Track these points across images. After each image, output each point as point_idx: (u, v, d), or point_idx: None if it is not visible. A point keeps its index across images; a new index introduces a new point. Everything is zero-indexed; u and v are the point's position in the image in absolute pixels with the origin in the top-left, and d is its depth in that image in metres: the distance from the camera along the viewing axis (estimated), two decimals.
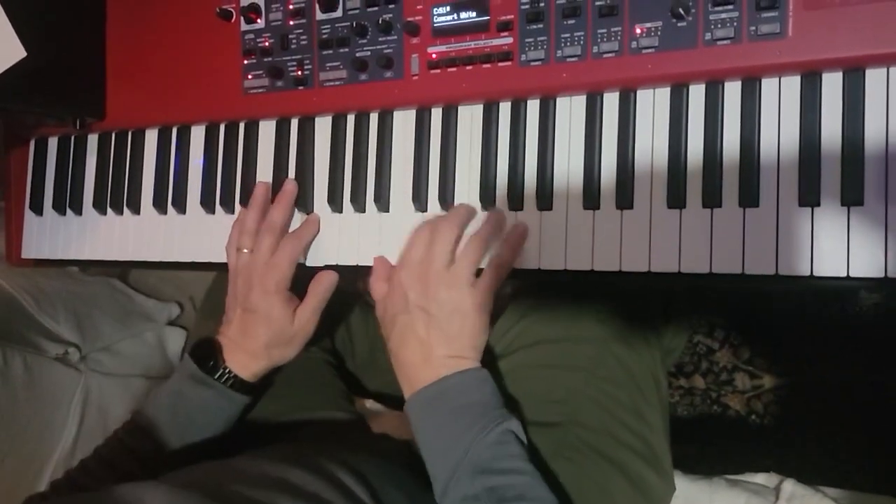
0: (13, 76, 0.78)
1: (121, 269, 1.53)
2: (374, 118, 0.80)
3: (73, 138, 0.96)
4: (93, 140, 0.95)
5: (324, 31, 0.79)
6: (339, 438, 0.83)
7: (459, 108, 0.76)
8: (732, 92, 0.66)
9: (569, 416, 0.75)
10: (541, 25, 0.70)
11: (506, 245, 0.71)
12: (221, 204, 0.86)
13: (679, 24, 0.65)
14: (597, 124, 0.70)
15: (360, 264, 0.80)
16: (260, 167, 0.85)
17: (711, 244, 0.66)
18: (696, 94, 0.67)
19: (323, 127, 0.82)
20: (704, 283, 0.66)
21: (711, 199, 0.65)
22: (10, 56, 0.77)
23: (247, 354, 0.78)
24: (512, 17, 0.71)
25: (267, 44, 0.81)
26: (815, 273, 0.62)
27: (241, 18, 0.82)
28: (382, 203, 0.79)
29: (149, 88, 0.88)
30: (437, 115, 0.77)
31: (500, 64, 0.72)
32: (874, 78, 0.61)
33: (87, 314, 1.37)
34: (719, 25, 0.63)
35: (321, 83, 0.79)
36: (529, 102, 0.73)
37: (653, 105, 0.69)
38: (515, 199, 0.73)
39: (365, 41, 0.77)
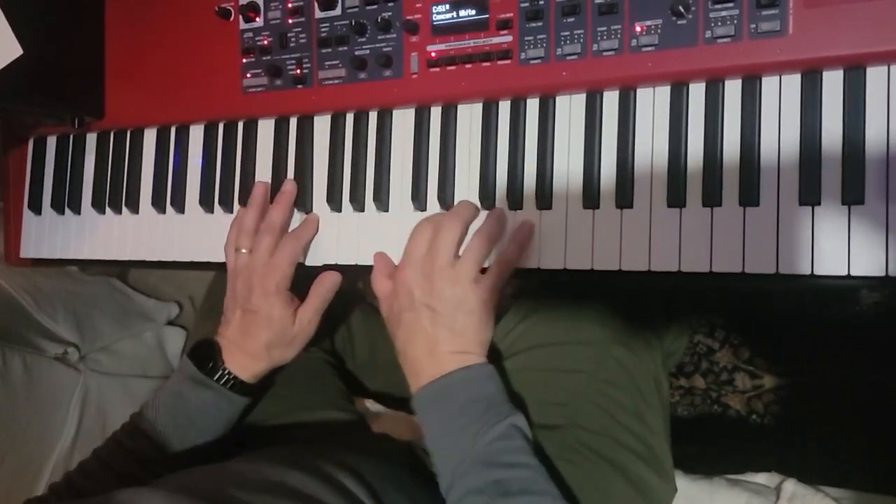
0: (11, 75, 0.78)
1: (120, 269, 1.53)
2: (373, 117, 0.80)
3: (71, 137, 0.96)
4: (91, 139, 0.95)
5: (323, 30, 0.78)
6: (339, 439, 0.83)
7: (459, 106, 0.76)
8: (733, 90, 0.65)
9: (570, 419, 0.75)
10: (540, 23, 0.69)
11: (512, 242, 0.71)
12: (220, 203, 0.86)
13: (679, 22, 0.65)
14: (596, 123, 0.70)
15: (359, 263, 0.79)
16: (259, 166, 0.85)
17: (711, 243, 0.65)
18: (697, 93, 0.67)
19: (322, 126, 0.82)
20: (705, 283, 0.66)
21: (711, 197, 0.65)
22: (7, 54, 0.77)
23: (247, 355, 0.78)
24: (511, 15, 0.71)
25: (266, 42, 0.81)
26: (816, 272, 0.62)
27: (240, 17, 0.82)
28: (381, 202, 0.79)
29: (147, 87, 0.88)
30: (436, 113, 0.77)
31: (500, 62, 0.71)
32: (875, 76, 0.61)
33: (87, 314, 1.37)
34: (719, 23, 0.63)
35: (320, 82, 0.79)
36: (529, 101, 0.73)
37: (653, 103, 0.68)
38: (515, 198, 0.73)
39: (364, 39, 0.77)
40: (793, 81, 0.64)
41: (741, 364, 1.31)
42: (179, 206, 0.88)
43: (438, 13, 0.74)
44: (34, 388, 1.18)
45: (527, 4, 0.70)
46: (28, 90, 0.81)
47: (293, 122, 0.83)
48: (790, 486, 0.82)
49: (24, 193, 0.98)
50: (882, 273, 0.60)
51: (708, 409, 1.33)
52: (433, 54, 0.74)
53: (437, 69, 0.74)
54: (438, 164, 0.76)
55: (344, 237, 0.80)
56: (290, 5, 0.80)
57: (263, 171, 0.84)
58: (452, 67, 0.73)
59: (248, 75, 0.82)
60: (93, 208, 0.93)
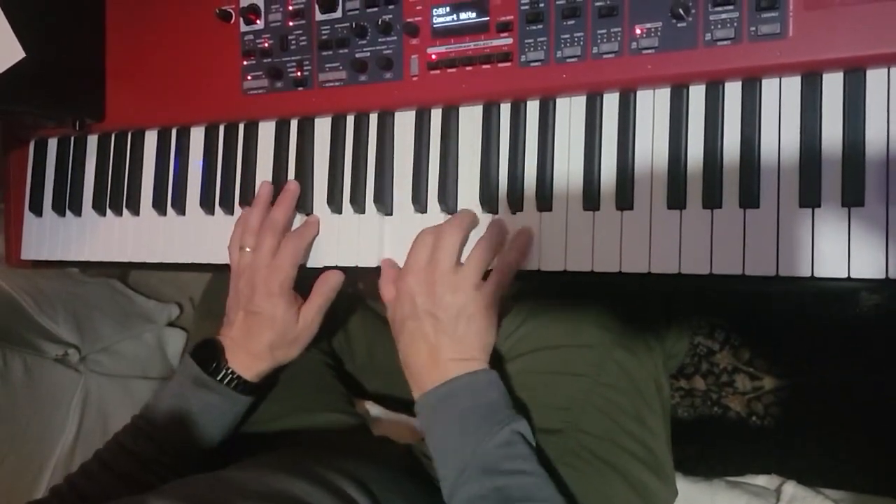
0: (13, 77, 0.78)
1: (121, 270, 1.53)
2: (373, 119, 0.80)
3: (72, 139, 0.96)
4: (92, 141, 0.95)
5: (323, 32, 0.79)
6: (340, 444, 0.83)
7: (459, 108, 0.76)
8: (733, 92, 0.66)
9: (571, 423, 0.75)
10: (540, 26, 0.70)
11: (512, 249, 0.71)
12: (221, 205, 0.86)
13: (679, 25, 0.65)
14: (597, 125, 0.70)
15: (359, 265, 0.80)
16: (259, 168, 0.85)
17: (712, 245, 0.65)
18: (697, 95, 0.67)
19: (322, 128, 0.82)
20: (705, 284, 0.66)
21: (712, 199, 0.65)
22: (9, 57, 0.77)
23: (250, 355, 0.78)
24: (511, 17, 0.71)
25: (266, 45, 0.81)
26: (816, 274, 0.62)
27: (241, 19, 0.82)
28: (382, 204, 0.79)
29: (148, 89, 0.88)
30: (436, 115, 0.77)
31: (500, 65, 0.72)
32: (875, 78, 0.61)
33: (87, 315, 1.37)
34: (719, 26, 0.63)
35: (321, 84, 0.79)
36: (529, 103, 0.73)
37: (653, 106, 0.68)
38: (515, 200, 0.73)
39: (364, 42, 0.77)
40: (793, 84, 0.64)
41: (741, 365, 1.31)
42: (180, 208, 0.89)
43: (439, 16, 0.74)
44: (35, 390, 1.18)
45: (527, 7, 0.70)
46: (29, 93, 0.82)
47: (294, 124, 0.84)
48: (790, 488, 0.82)
49: (25, 195, 0.99)
50: (882, 275, 0.60)
51: (708, 411, 1.33)
52: (433, 57, 0.74)
53: (438, 71, 0.74)
54: (439, 166, 0.77)
55: (344, 239, 0.80)
56: (290, 8, 0.80)
57: (264, 174, 0.84)
58: (453, 70, 0.73)
59: (249, 77, 0.82)
60: (93, 210, 0.93)
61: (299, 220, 0.82)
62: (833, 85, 0.62)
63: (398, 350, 0.73)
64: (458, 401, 0.67)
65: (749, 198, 0.64)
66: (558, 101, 0.72)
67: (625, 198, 0.68)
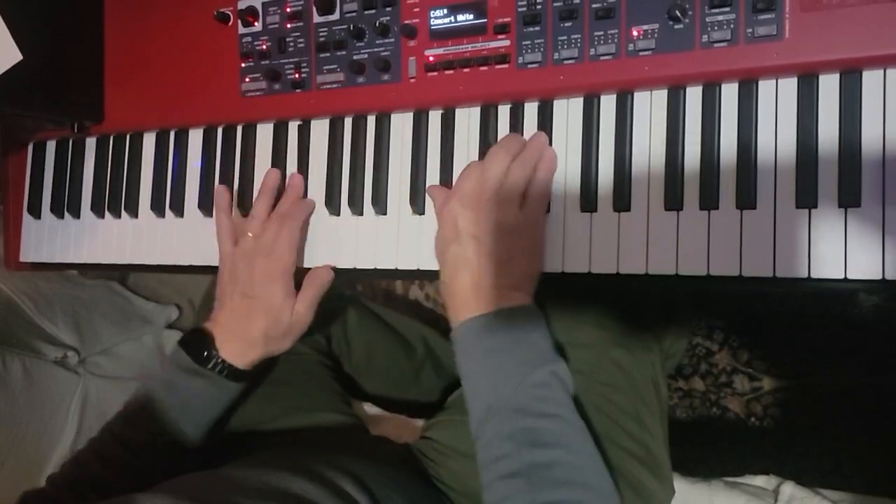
0: (11, 80, 0.78)
1: (120, 273, 1.53)
2: (371, 121, 0.80)
3: (71, 142, 0.96)
4: (91, 143, 0.95)
5: (321, 34, 0.79)
6: (338, 443, 0.83)
7: (457, 110, 0.76)
8: (729, 94, 0.66)
9: None
10: (538, 28, 0.70)
11: (540, 168, 0.70)
12: None
13: (676, 27, 0.65)
14: (594, 126, 0.70)
15: (357, 267, 0.80)
16: (257, 170, 0.85)
17: (709, 246, 0.65)
18: (693, 96, 0.67)
19: (320, 130, 0.82)
20: (702, 286, 0.66)
21: (709, 201, 0.65)
22: (6, 60, 0.77)
23: (242, 342, 0.77)
24: (509, 19, 0.71)
25: (264, 47, 0.81)
26: (813, 275, 0.62)
27: (239, 21, 0.82)
28: (380, 206, 0.79)
29: (146, 91, 0.88)
30: (434, 117, 0.77)
31: (498, 66, 0.72)
32: (871, 79, 0.61)
33: (86, 317, 1.37)
34: (716, 27, 0.63)
35: (318, 86, 0.79)
36: (527, 105, 0.73)
37: (650, 107, 0.69)
38: None
39: (362, 44, 0.77)
40: (789, 85, 0.64)
41: (740, 366, 1.31)
42: (178, 210, 0.89)
43: (436, 18, 0.74)
44: (34, 392, 1.18)
45: (524, 9, 0.70)
46: (28, 95, 0.82)
47: (292, 126, 0.84)
48: (788, 488, 0.82)
49: (23, 197, 0.99)
50: (879, 276, 0.60)
51: (707, 412, 1.33)
52: (431, 59, 0.74)
53: (435, 73, 0.74)
54: (438, 167, 0.77)
55: (342, 241, 0.81)
56: (288, 10, 0.80)
57: (262, 175, 0.84)
58: (450, 72, 0.74)
59: (247, 79, 0.82)
60: (92, 212, 0.94)
61: None
62: (829, 86, 0.63)
63: (440, 278, 0.71)
64: (497, 334, 0.65)
65: (746, 199, 0.64)
66: (556, 102, 0.72)
67: (622, 199, 0.69)
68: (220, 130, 0.88)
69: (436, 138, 0.77)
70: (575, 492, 0.59)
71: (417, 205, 0.77)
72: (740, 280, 0.64)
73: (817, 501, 0.80)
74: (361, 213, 0.80)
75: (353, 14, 0.77)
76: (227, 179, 0.86)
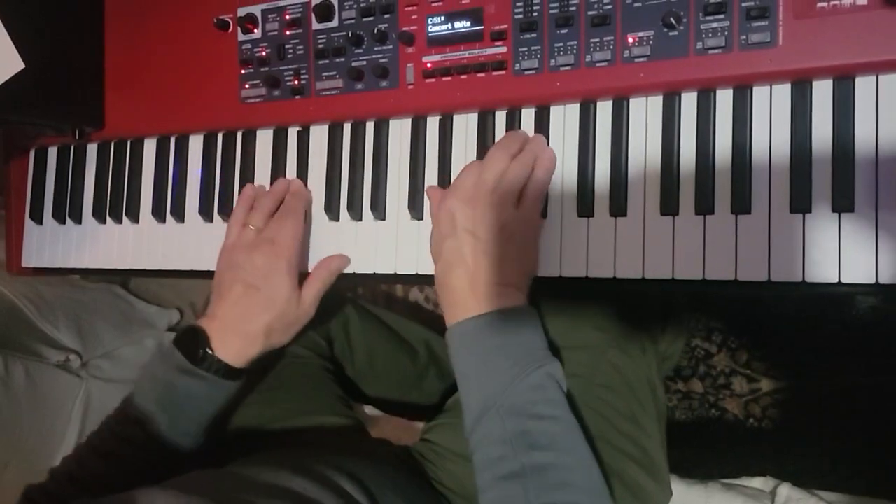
0: (13, 88, 0.78)
1: (121, 276, 1.54)
2: (370, 127, 0.81)
3: (72, 148, 0.97)
4: (92, 150, 0.96)
5: (320, 41, 0.79)
6: (338, 444, 0.84)
7: (455, 116, 0.77)
8: (724, 100, 0.66)
9: None
10: (534, 35, 0.70)
11: (539, 168, 0.71)
12: (219, 212, 0.87)
13: (671, 34, 0.65)
14: (590, 132, 0.71)
15: (357, 272, 0.80)
16: (257, 175, 0.86)
17: (704, 251, 0.66)
18: (689, 102, 0.68)
19: (319, 136, 0.83)
20: (698, 290, 0.67)
21: (704, 206, 0.66)
22: (9, 68, 0.78)
23: (242, 338, 0.75)
24: (506, 26, 0.71)
25: (264, 53, 0.82)
26: (807, 279, 0.62)
27: (239, 28, 0.83)
28: (379, 211, 0.79)
29: (147, 98, 0.89)
30: (432, 123, 0.78)
31: (495, 73, 0.72)
32: (864, 86, 0.62)
33: (88, 321, 1.38)
34: (710, 34, 0.64)
35: (317, 92, 0.80)
36: (524, 111, 0.74)
37: (645, 113, 0.69)
38: None
39: (361, 51, 0.77)
40: (783, 91, 0.65)
41: (739, 368, 1.31)
42: (179, 216, 0.89)
43: (434, 25, 0.74)
44: (36, 396, 1.19)
45: (521, 16, 0.71)
46: (30, 103, 0.82)
47: (291, 132, 0.84)
48: (785, 490, 0.83)
49: (25, 203, 0.99)
50: (872, 280, 0.61)
51: (705, 413, 1.33)
52: (429, 65, 0.75)
53: (433, 80, 0.75)
54: (437, 173, 0.77)
55: (342, 246, 0.81)
56: (287, 17, 0.81)
57: (262, 181, 0.85)
58: (448, 78, 0.74)
59: (247, 86, 0.83)
60: (93, 218, 0.94)
61: None
62: (823, 92, 0.63)
63: (435, 273, 0.71)
64: (492, 335, 0.65)
65: (741, 204, 0.65)
66: (552, 109, 0.73)
67: (618, 204, 0.69)
68: (220, 137, 0.88)
69: (434, 144, 0.78)
70: (570, 494, 0.60)
71: (416, 210, 0.78)
72: (736, 284, 0.65)
73: (813, 502, 0.81)
74: (360, 219, 0.81)
75: (352, 21, 0.78)
76: (227, 185, 0.87)
